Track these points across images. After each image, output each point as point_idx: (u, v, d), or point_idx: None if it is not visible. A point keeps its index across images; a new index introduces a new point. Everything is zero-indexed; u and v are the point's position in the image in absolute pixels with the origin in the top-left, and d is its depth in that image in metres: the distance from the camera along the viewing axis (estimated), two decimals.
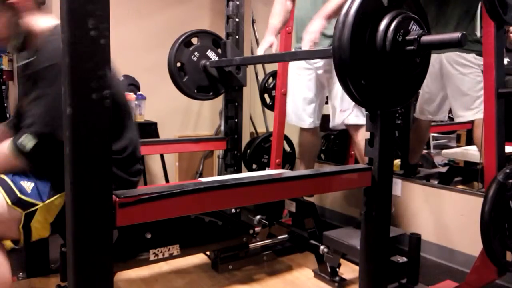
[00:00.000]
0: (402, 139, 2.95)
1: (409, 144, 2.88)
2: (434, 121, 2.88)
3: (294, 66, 2.24)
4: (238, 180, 1.03)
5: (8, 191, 1.18)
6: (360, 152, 1.98)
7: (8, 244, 1.25)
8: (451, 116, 2.93)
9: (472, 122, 2.45)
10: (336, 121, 2.06)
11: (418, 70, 1.07)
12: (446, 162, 3.59)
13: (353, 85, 1.00)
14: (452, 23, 2.41)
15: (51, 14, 1.39)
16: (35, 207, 1.20)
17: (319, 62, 2.06)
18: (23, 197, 1.19)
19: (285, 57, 2.01)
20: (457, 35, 0.94)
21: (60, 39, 0.93)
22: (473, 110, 2.37)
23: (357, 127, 2.00)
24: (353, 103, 1.95)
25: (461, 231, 2.01)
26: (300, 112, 2.22)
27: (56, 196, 1.24)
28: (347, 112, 1.98)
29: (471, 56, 2.35)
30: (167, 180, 2.98)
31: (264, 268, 1.93)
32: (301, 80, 2.19)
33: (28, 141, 1.19)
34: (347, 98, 1.95)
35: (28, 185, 1.22)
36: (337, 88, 1.98)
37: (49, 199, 1.23)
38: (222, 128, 2.31)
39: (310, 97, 2.18)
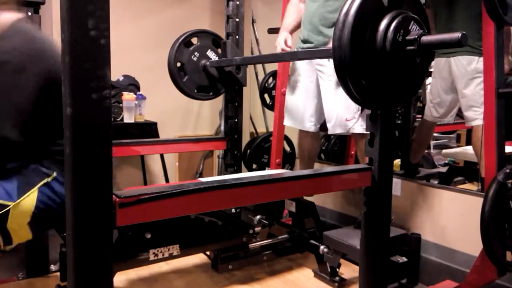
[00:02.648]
0: (402, 139, 2.95)
1: (412, 144, 2.88)
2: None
3: (296, 69, 2.22)
4: (238, 180, 1.03)
5: None
6: (364, 157, 1.97)
7: None
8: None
9: (472, 126, 2.44)
10: (338, 129, 2.02)
11: (418, 70, 1.07)
12: (446, 162, 3.60)
13: (353, 85, 1.00)
14: (462, 26, 2.38)
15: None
16: (7, 208, 1.17)
17: (322, 67, 2.05)
18: None
19: (285, 57, 2.01)
20: (457, 35, 0.94)
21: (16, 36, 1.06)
22: (477, 115, 2.35)
23: (363, 135, 1.99)
24: (358, 112, 1.93)
25: (461, 231, 2.01)
26: (301, 115, 2.20)
27: (27, 194, 1.22)
28: (352, 122, 1.96)
29: (481, 60, 2.29)
30: (167, 180, 2.98)
31: (264, 268, 1.93)
32: (303, 83, 2.17)
33: None
34: (352, 107, 1.96)
35: None
36: (341, 95, 1.96)
37: (19, 198, 1.20)
38: (222, 128, 2.31)
39: (312, 101, 2.17)
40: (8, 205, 1.18)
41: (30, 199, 1.22)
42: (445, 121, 2.72)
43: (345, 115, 1.95)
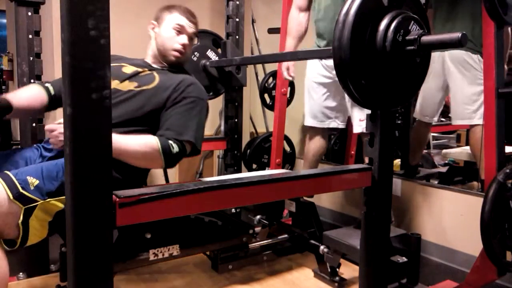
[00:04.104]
0: (402, 139, 2.95)
1: (410, 145, 2.87)
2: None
3: (311, 71, 2.22)
4: (238, 180, 1.03)
5: (11, 185, 1.18)
6: None
7: None
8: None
9: (470, 126, 2.43)
10: (357, 129, 2.06)
11: (418, 70, 1.07)
12: (446, 162, 3.60)
13: (353, 85, 1.00)
14: (463, 23, 2.37)
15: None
16: (35, 203, 1.20)
17: None
18: (24, 192, 1.19)
19: (285, 57, 2.01)
20: (457, 35, 0.94)
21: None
22: (469, 112, 2.34)
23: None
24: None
25: (461, 231, 2.01)
26: (319, 114, 2.21)
27: (59, 198, 1.23)
28: (364, 122, 1.98)
29: (476, 57, 2.29)
30: (167, 180, 2.98)
31: (264, 268, 1.93)
32: (319, 84, 2.18)
33: (176, 146, 1.40)
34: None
35: (33, 181, 1.22)
36: None
37: (50, 198, 1.23)
38: (222, 128, 2.31)
39: (329, 100, 2.18)
40: (36, 201, 1.21)
41: (59, 201, 1.24)
42: (434, 120, 2.70)
43: (360, 115, 1.97)
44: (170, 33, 1.66)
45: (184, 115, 1.49)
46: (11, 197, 1.17)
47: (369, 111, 1.95)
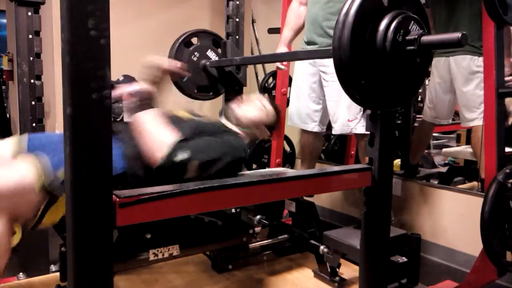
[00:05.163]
0: (402, 139, 2.95)
1: (411, 145, 2.88)
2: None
3: (300, 70, 2.23)
4: (238, 180, 1.03)
5: (47, 173, 1.18)
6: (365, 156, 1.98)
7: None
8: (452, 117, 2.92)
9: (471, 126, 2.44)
10: (342, 129, 2.05)
11: (418, 70, 1.07)
12: (446, 162, 3.60)
13: (353, 85, 1.00)
14: (463, 24, 2.37)
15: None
16: (59, 197, 1.20)
17: (325, 68, 2.05)
18: (55, 183, 1.18)
19: (285, 57, 2.01)
20: (457, 35, 0.94)
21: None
22: (475, 115, 2.35)
23: (365, 135, 2.00)
24: (360, 113, 1.95)
25: (461, 231, 2.01)
26: (304, 115, 2.21)
27: None
28: (354, 122, 1.98)
29: (481, 60, 2.28)
30: None
31: (264, 268, 1.93)
32: (306, 84, 2.18)
33: (181, 156, 1.31)
34: (353, 107, 1.97)
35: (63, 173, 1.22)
36: (345, 96, 1.96)
37: None
38: None
39: (315, 102, 2.18)
40: (60, 195, 1.20)
41: None
42: (443, 122, 2.71)
43: (348, 116, 1.97)
44: None
45: (212, 144, 1.46)
46: (43, 185, 1.16)
47: (358, 111, 1.97)
